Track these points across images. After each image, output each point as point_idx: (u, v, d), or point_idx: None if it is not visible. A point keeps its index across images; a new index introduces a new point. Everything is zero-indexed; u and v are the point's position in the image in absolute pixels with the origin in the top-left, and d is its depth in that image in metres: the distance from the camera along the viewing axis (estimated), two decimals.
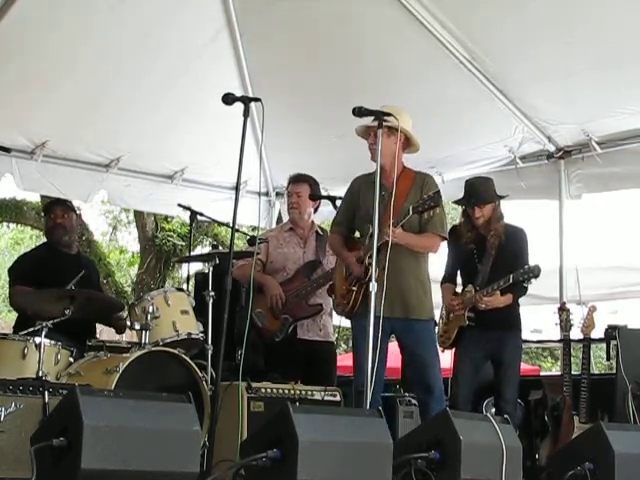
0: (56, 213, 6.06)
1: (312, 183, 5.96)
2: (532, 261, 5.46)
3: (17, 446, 3.91)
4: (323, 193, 6.27)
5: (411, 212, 4.83)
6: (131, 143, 7.36)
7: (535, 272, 5.31)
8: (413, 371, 5.13)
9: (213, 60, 6.92)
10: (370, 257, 4.84)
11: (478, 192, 5.54)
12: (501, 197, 5.61)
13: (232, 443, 4.47)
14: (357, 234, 5.25)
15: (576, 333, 5.68)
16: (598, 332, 5.90)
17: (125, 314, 5.65)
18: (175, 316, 5.25)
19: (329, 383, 5.57)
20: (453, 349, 5.58)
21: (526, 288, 5.50)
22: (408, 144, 5.08)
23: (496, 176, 6.15)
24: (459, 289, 5.68)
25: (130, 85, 6.81)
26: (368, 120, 4.85)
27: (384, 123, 4.76)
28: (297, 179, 6.01)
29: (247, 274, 5.09)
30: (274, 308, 5.70)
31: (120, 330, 5.91)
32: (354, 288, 5.00)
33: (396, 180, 4.79)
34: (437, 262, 5.74)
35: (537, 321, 7.49)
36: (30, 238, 20.00)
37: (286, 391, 5.20)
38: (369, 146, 4.99)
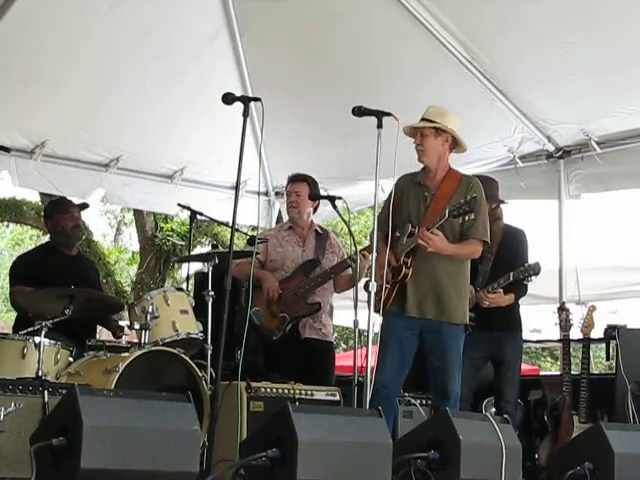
0: (73, 214, 5.95)
1: (311, 182, 5.96)
2: (531, 261, 5.47)
3: (17, 446, 3.91)
4: (323, 193, 6.27)
5: (447, 215, 4.78)
6: (131, 143, 7.37)
7: (535, 269, 5.31)
8: (432, 374, 5.04)
9: (213, 60, 6.92)
10: (406, 256, 4.84)
11: None
12: (499, 201, 5.61)
13: (232, 443, 4.47)
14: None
15: (576, 333, 5.68)
16: (598, 332, 5.90)
17: (122, 315, 5.65)
18: (175, 316, 5.25)
19: (327, 382, 5.57)
20: None
21: (526, 287, 5.50)
22: (455, 144, 5.05)
23: (496, 176, 6.16)
24: None
25: (130, 85, 6.82)
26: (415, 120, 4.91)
27: (431, 125, 4.86)
28: (296, 178, 6.01)
29: (245, 271, 5.10)
30: (271, 303, 5.70)
31: (116, 335, 5.88)
32: (387, 286, 4.97)
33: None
34: None
35: (537, 321, 7.49)
36: (30, 238, 20.00)
37: (286, 391, 5.20)
38: (415, 147, 4.99)
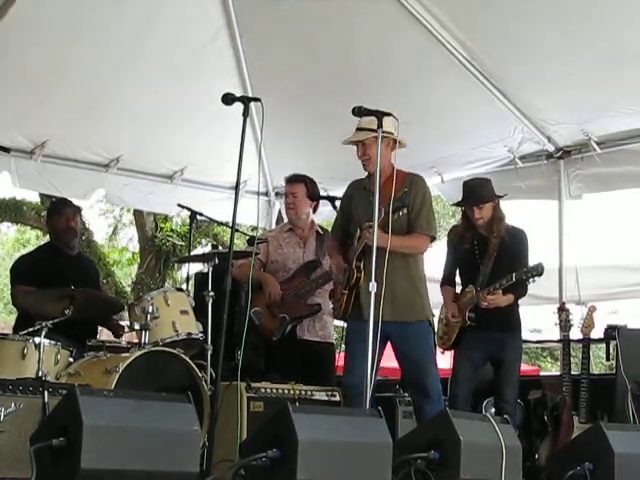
0: (67, 215, 5.96)
1: (308, 183, 5.95)
2: (532, 261, 5.46)
3: (17, 446, 3.90)
4: (322, 193, 6.28)
5: (382, 214, 4.74)
6: (131, 143, 7.37)
7: (539, 270, 5.30)
8: (407, 374, 5.10)
9: (213, 60, 6.92)
10: (357, 260, 4.87)
11: (476, 192, 5.55)
12: (499, 196, 5.62)
13: (232, 443, 4.47)
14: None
15: (576, 333, 5.67)
16: (598, 332, 5.90)
17: (123, 315, 5.64)
18: (175, 316, 5.25)
19: (328, 383, 5.57)
20: (453, 350, 5.59)
21: (526, 288, 5.50)
22: (395, 144, 5.06)
23: (495, 176, 6.17)
24: (458, 289, 5.69)
25: (130, 85, 6.82)
26: (352, 132, 4.92)
27: (373, 135, 4.76)
28: (293, 179, 6.01)
29: (246, 273, 5.10)
30: (272, 305, 5.71)
31: (117, 334, 5.88)
32: (345, 292, 5.02)
33: (380, 183, 4.73)
34: (436, 262, 5.75)
35: (537, 321, 7.49)
36: (36, 238, 19.92)
37: (286, 391, 5.20)
38: (359, 158, 5.01)
